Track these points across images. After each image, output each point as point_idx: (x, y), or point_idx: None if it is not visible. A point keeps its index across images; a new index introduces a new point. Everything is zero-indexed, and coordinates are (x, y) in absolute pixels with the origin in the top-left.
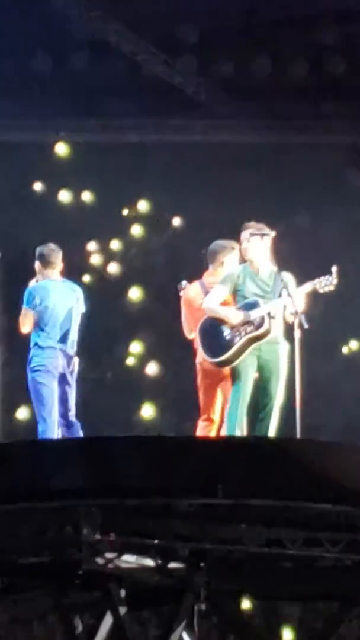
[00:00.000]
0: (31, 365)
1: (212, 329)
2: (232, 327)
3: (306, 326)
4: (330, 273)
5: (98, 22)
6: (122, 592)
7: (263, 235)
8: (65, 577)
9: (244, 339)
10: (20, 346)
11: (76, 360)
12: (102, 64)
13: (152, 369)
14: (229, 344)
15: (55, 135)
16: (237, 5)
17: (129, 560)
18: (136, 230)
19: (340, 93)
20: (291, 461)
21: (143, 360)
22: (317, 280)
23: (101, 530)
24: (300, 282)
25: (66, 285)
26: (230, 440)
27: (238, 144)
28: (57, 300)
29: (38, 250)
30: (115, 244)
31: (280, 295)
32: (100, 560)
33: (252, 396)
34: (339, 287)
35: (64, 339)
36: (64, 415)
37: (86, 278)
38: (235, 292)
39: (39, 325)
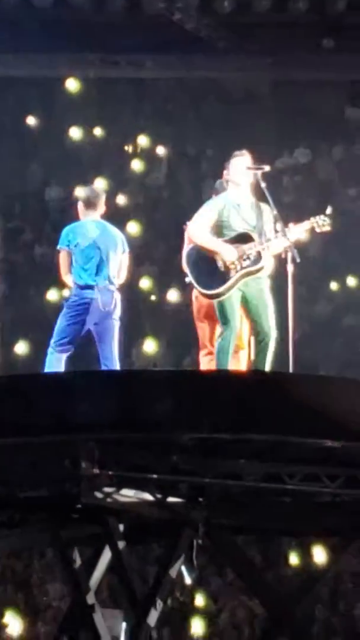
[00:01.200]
0: (68, 301)
1: (204, 260)
2: (224, 260)
3: (298, 260)
4: (325, 213)
5: None
6: (121, 526)
7: (250, 168)
8: (63, 511)
9: (240, 273)
10: (19, 282)
11: (117, 295)
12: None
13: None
14: (223, 277)
15: (54, 70)
16: None
17: (128, 494)
18: (136, 165)
19: (341, 29)
20: (290, 396)
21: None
22: (313, 219)
23: (99, 464)
24: (298, 218)
25: (104, 225)
26: (229, 375)
27: (238, 79)
28: (92, 238)
29: (80, 192)
30: (116, 178)
31: (263, 227)
32: (98, 495)
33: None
34: (334, 224)
35: (100, 275)
36: (106, 351)
37: None
38: (221, 223)
39: (77, 264)
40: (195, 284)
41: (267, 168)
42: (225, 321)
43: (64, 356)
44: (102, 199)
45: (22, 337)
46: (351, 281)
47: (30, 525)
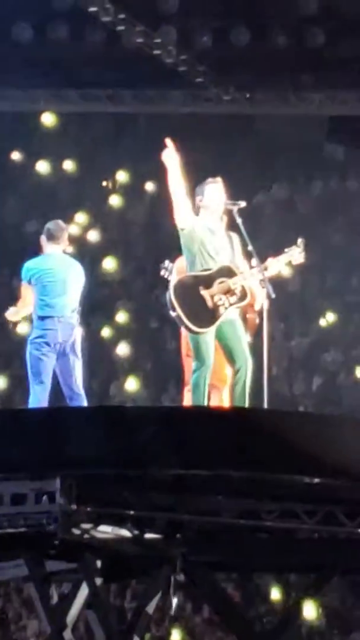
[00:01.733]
0: (30, 338)
1: (193, 294)
2: (212, 295)
3: (273, 296)
4: (296, 244)
5: None
6: (98, 563)
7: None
8: (41, 548)
9: (228, 310)
10: None
11: (78, 330)
12: (82, 34)
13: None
14: (213, 314)
15: (34, 105)
16: None
17: (106, 530)
18: (114, 200)
19: (319, 64)
20: (267, 432)
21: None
22: (288, 251)
23: (77, 500)
24: (278, 253)
25: (64, 257)
26: (206, 411)
27: (216, 114)
28: (53, 271)
29: (46, 225)
30: (92, 214)
31: (235, 258)
32: (76, 531)
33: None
34: (314, 258)
35: (62, 308)
36: (69, 386)
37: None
38: (198, 252)
39: (38, 296)
40: (183, 319)
41: (243, 204)
42: (199, 356)
43: (46, 391)
44: (65, 233)
45: (1, 372)
46: (330, 317)
47: (8, 561)
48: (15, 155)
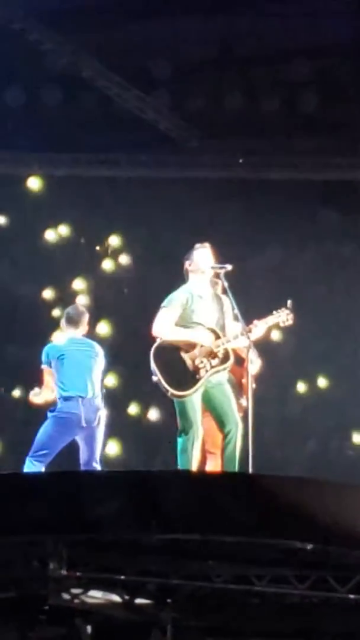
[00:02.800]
0: (53, 413)
1: (172, 359)
2: (193, 358)
3: (258, 360)
4: (286, 307)
5: (72, 56)
6: (89, 628)
7: (214, 267)
8: (31, 612)
9: (209, 373)
10: None
11: (103, 412)
12: (76, 98)
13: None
14: (193, 377)
15: (27, 168)
16: (210, 40)
17: (96, 595)
18: (107, 264)
19: (313, 130)
20: (259, 496)
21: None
22: (276, 313)
23: (68, 565)
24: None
25: (83, 341)
26: (198, 475)
27: (210, 179)
28: (73, 353)
29: (66, 310)
30: (86, 278)
31: (224, 321)
32: (66, 596)
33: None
34: (306, 322)
35: (84, 389)
36: (88, 464)
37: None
38: (187, 315)
39: (62, 377)
40: (163, 384)
41: (229, 267)
42: (185, 420)
43: (43, 466)
44: (85, 318)
45: None
46: (321, 382)
47: None
48: (6, 219)
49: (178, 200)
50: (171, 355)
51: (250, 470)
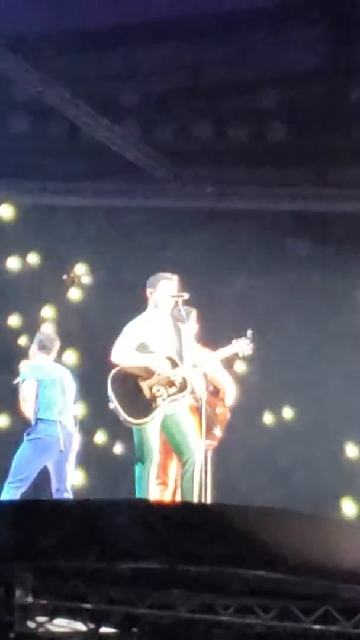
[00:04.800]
0: (30, 436)
1: (128, 386)
2: (151, 386)
3: (211, 388)
4: (246, 336)
5: (39, 84)
6: None
7: (173, 296)
8: None
9: (166, 401)
10: None
11: (77, 438)
12: (43, 126)
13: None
14: (150, 405)
15: None
16: (179, 69)
17: (61, 624)
18: (73, 293)
19: (283, 159)
20: (224, 527)
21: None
22: (235, 342)
23: (33, 593)
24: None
25: (58, 366)
26: (162, 505)
27: (178, 209)
28: (50, 377)
29: (37, 336)
30: (53, 306)
31: (182, 348)
32: (31, 624)
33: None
34: (273, 352)
35: (64, 414)
36: (59, 490)
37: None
38: (144, 345)
39: (41, 399)
40: (120, 410)
41: (186, 296)
42: (141, 449)
43: (20, 492)
44: (57, 345)
45: None
46: (287, 413)
47: None
48: None
49: (145, 229)
50: (128, 382)
51: (209, 499)
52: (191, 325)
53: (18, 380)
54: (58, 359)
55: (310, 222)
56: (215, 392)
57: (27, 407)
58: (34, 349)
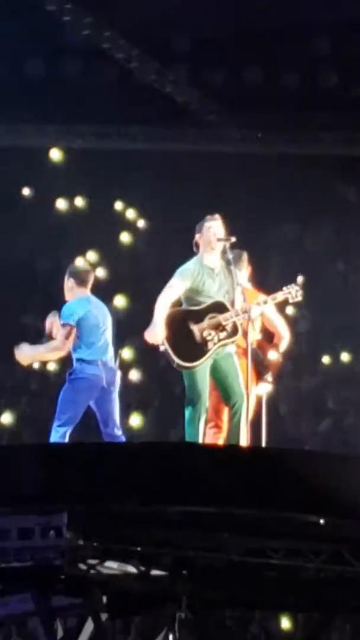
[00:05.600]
0: (72, 376)
1: (180, 329)
2: (202, 330)
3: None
4: (296, 283)
5: (92, 29)
6: (104, 599)
7: (220, 240)
8: (47, 582)
9: (217, 345)
10: (5, 352)
11: (119, 373)
12: (95, 70)
13: (136, 377)
14: (201, 349)
15: (45, 140)
16: (230, 14)
17: (112, 566)
18: (124, 237)
19: (332, 105)
20: (276, 470)
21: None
22: (285, 289)
23: (84, 536)
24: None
25: (97, 301)
26: (214, 449)
27: (227, 153)
28: (96, 315)
29: (71, 268)
30: (103, 250)
31: (233, 292)
32: (82, 566)
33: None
34: (325, 297)
35: (105, 352)
36: (107, 431)
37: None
38: (196, 289)
39: (81, 339)
40: (171, 354)
41: (233, 239)
42: (192, 392)
43: (68, 432)
44: (92, 276)
45: (8, 407)
46: (344, 356)
47: (13, 595)
48: (26, 191)
49: (195, 173)
50: (180, 325)
51: (264, 444)
52: (243, 268)
53: (59, 321)
54: (108, 304)
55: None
56: (268, 338)
57: (66, 347)
58: (70, 284)
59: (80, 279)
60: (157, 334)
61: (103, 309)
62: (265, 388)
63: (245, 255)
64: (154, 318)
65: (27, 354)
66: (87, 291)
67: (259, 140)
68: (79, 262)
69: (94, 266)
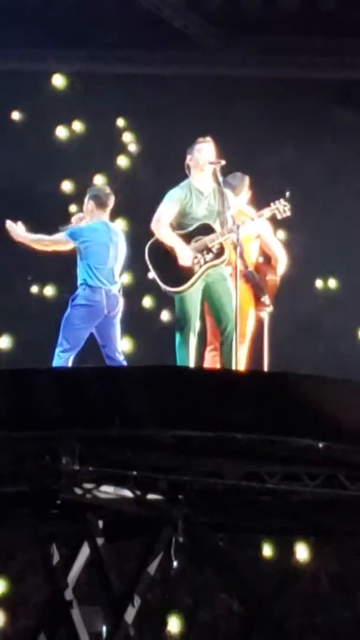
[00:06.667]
0: (75, 302)
1: (166, 254)
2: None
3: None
4: (284, 197)
5: None
6: (100, 523)
7: (212, 163)
8: (43, 507)
9: (203, 268)
10: (2, 275)
11: (121, 300)
12: None
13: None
14: (187, 273)
15: (41, 64)
16: None
17: (108, 490)
18: (122, 161)
19: (331, 29)
20: (270, 394)
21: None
22: (273, 205)
23: (80, 460)
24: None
25: (113, 226)
26: (209, 373)
27: (226, 77)
28: (105, 240)
29: (91, 191)
30: (102, 174)
31: (226, 214)
32: (78, 490)
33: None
34: (321, 224)
35: (110, 279)
36: (109, 356)
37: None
38: (184, 212)
39: (87, 263)
40: (158, 280)
41: (223, 162)
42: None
43: (71, 358)
44: (112, 200)
45: (5, 331)
46: (338, 280)
47: (9, 520)
48: (22, 115)
49: (194, 97)
50: (165, 250)
51: (265, 367)
52: (243, 191)
53: (65, 234)
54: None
55: (358, 92)
56: (266, 260)
57: (49, 247)
58: (90, 206)
59: (100, 201)
60: (187, 256)
61: (116, 236)
62: (265, 311)
63: (246, 179)
64: (176, 247)
65: (21, 235)
66: (105, 215)
67: (258, 64)
68: (99, 181)
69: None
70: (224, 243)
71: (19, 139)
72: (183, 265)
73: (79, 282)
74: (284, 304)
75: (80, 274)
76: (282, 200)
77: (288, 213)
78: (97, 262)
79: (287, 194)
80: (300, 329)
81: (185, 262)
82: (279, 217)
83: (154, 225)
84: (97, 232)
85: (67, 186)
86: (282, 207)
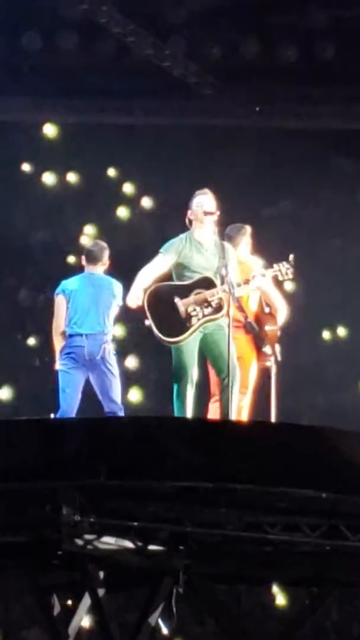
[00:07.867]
0: (63, 352)
1: (164, 304)
2: (187, 305)
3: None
4: (287, 260)
5: (88, 3)
6: (101, 574)
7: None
8: (44, 558)
9: (201, 321)
10: (2, 327)
11: (108, 346)
12: (91, 44)
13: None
14: (185, 324)
15: (41, 114)
16: None
17: (109, 541)
18: (122, 212)
19: (329, 78)
20: (271, 445)
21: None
22: (276, 267)
23: (81, 511)
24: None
25: (100, 277)
26: (211, 424)
27: (225, 127)
28: (84, 290)
29: (87, 247)
30: (100, 226)
31: (224, 268)
32: (79, 541)
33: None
34: (320, 272)
35: (89, 325)
36: (109, 400)
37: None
38: (182, 263)
39: (71, 315)
40: (154, 329)
41: (217, 213)
42: (179, 367)
43: (73, 400)
44: (106, 254)
45: (5, 382)
46: (340, 331)
47: (9, 570)
48: (24, 167)
49: (192, 147)
50: (165, 299)
51: (273, 418)
52: (243, 242)
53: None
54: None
55: (357, 141)
56: (266, 310)
57: (58, 322)
58: (83, 260)
59: (92, 256)
60: (133, 297)
61: (104, 285)
62: (270, 361)
63: (246, 229)
64: (133, 285)
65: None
66: (96, 268)
67: (257, 114)
68: (92, 240)
69: (91, 239)
70: (224, 298)
71: (17, 189)
72: (186, 311)
73: (67, 334)
74: (287, 354)
75: (67, 324)
76: (285, 263)
77: (290, 276)
78: (79, 311)
79: (291, 257)
80: (302, 380)
81: (131, 303)
82: (280, 279)
83: (128, 299)
84: (81, 283)
85: (63, 239)
86: (284, 270)
